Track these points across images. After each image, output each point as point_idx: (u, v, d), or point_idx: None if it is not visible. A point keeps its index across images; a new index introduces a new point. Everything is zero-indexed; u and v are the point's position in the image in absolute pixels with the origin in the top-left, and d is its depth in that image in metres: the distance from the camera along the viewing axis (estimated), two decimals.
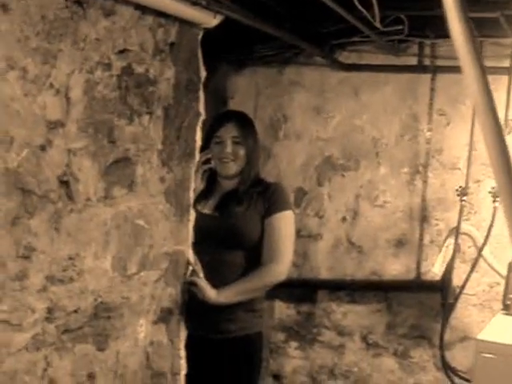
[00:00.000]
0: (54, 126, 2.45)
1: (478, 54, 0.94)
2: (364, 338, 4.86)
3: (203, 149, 3.55)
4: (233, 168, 3.76)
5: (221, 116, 3.98)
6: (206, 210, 3.78)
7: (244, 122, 3.85)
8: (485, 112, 0.95)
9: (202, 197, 3.75)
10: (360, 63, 4.66)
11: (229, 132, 3.75)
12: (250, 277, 3.65)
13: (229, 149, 3.73)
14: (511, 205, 0.95)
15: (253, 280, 3.66)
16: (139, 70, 2.89)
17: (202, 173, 3.69)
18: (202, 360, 3.66)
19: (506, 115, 4.21)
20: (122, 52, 2.77)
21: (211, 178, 3.83)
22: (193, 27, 3.26)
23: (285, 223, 3.73)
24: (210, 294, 3.51)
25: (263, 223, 3.69)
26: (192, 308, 3.48)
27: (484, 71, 0.94)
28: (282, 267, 3.68)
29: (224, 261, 3.70)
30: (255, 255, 3.69)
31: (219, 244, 3.68)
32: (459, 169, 4.44)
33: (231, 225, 3.70)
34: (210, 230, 3.67)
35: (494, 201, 4.24)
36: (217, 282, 3.57)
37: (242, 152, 3.74)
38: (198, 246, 3.48)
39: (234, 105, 4.89)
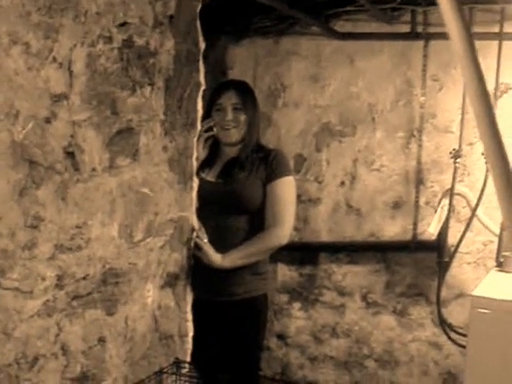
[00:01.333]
0: (58, 98, 2.44)
1: (464, 20, 0.91)
2: (364, 298, 4.86)
3: (205, 117, 3.54)
4: (234, 134, 3.73)
5: (221, 85, 3.94)
6: (210, 177, 3.75)
7: (244, 90, 3.82)
8: (471, 77, 0.92)
9: (205, 164, 3.74)
10: (354, 32, 4.62)
11: (229, 99, 3.72)
12: (254, 240, 3.64)
13: (230, 115, 3.70)
14: (498, 169, 0.93)
15: (256, 244, 3.65)
16: (140, 42, 2.86)
17: (205, 140, 3.69)
18: (208, 322, 3.69)
19: (497, 79, 4.19)
20: (122, 25, 2.75)
21: (214, 146, 3.81)
22: (191, 0, 3.23)
23: (286, 188, 3.72)
24: (215, 258, 3.53)
25: (265, 188, 3.68)
26: (198, 272, 3.50)
27: (471, 37, 0.92)
28: (284, 231, 3.67)
29: (228, 226, 3.68)
30: (258, 220, 3.68)
31: (223, 209, 3.67)
32: (452, 132, 4.41)
33: (234, 191, 3.68)
34: (214, 196, 3.66)
35: (486, 162, 4.21)
36: (221, 246, 3.58)
37: (242, 118, 3.72)
38: (202, 212, 3.50)
39: (233, 75, 4.86)
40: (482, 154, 4.22)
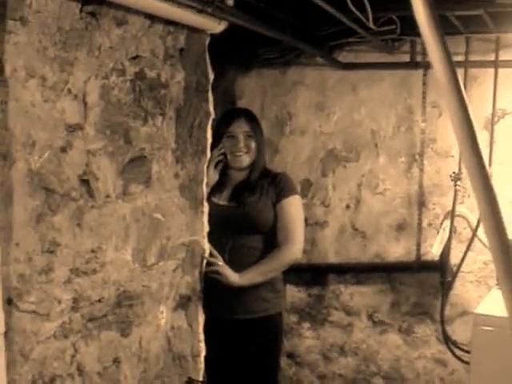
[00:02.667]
0: (74, 129, 2.44)
1: (446, 51, 0.90)
2: (370, 317, 4.84)
3: (213, 144, 3.55)
4: (246, 160, 3.81)
5: (230, 113, 4.02)
6: (222, 200, 3.82)
7: (252, 118, 3.90)
8: (455, 107, 0.91)
9: (215, 189, 3.80)
10: (357, 62, 4.64)
11: (240, 127, 3.80)
12: (269, 258, 3.69)
13: (242, 143, 3.78)
14: (484, 201, 0.91)
15: (271, 261, 3.70)
16: (151, 74, 2.87)
17: (215, 166, 3.74)
18: (225, 341, 3.74)
19: (494, 106, 4.19)
20: (134, 58, 2.76)
21: (223, 171, 3.87)
22: (200, 33, 3.25)
23: (294, 206, 3.80)
24: (234, 278, 3.58)
25: (275, 209, 3.75)
26: (214, 292, 3.50)
27: (453, 67, 0.90)
28: (296, 246, 3.73)
29: (243, 246, 3.74)
30: (271, 239, 3.74)
31: (238, 231, 3.74)
32: (452, 156, 4.41)
33: (247, 212, 3.74)
34: (228, 218, 3.74)
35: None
36: (238, 265, 3.64)
37: (253, 145, 3.81)
38: (216, 235, 3.52)
39: (242, 104, 4.88)
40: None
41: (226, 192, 3.86)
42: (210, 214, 3.44)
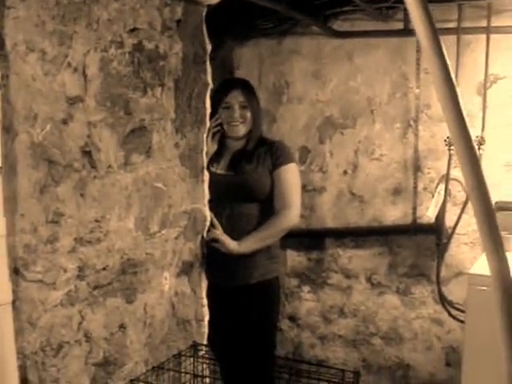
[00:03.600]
0: (74, 101, 2.44)
1: (429, 16, 0.88)
2: (369, 279, 4.85)
3: (211, 114, 3.53)
4: (241, 130, 3.78)
5: (226, 83, 3.99)
6: (220, 169, 3.77)
7: (248, 88, 3.86)
8: (437, 73, 0.89)
9: (213, 159, 3.75)
10: (352, 30, 4.60)
11: (236, 98, 3.75)
12: (266, 225, 3.67)
13: (237, 113, 3.74)
14: (464, 157, 0.90)
15: (269, 227, 3.67)
16: (149, 46, 2.86)
17: (212, 136, 3.71)
18: (225, 306, 3.73)
19: (486, 71, 4.17)
20: (132, 31, 2.74)
21: (221, 141, 3.85)
22: (197, 5, 3.23)
23: (291, 174, 3.77)
24: (232, 245, 3.57)
25: (272, 176, 3.73)
26: (214, 259, 3.51)
27: (436, 33, 0.88)
28: (293, 212, 3.71)
29: (241, 213, 3.71)
30: (268, 206, 3.71)
31: (235, 199, 3.71)
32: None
33: (244, 181, 3.72)
34: (226, 187, 3.70)
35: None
36: (236, 233, 3.62)
37: (248, 115, 3.77)
38: (215, 203, 3.53)
39: (239, 74, 4.85)
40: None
41: (224, 161, 3.83)
42: (209, 183, 3.46)
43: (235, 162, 3.80)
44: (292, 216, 3.71)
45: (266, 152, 3.79)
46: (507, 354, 0.85)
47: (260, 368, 3.60)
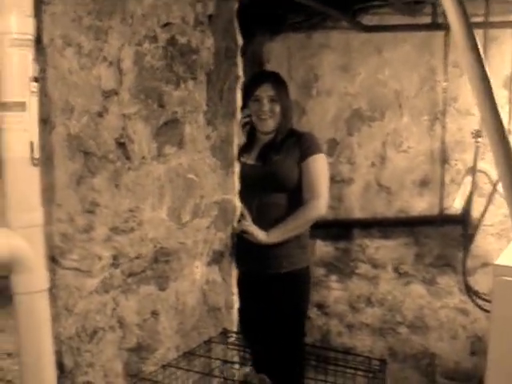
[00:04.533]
0: (109, 94, 2.45)
1: (464, 12, 0.87)
2: (395, 269, 4.85)
3: (242, 106, 3.50)
4: (270, 124, 3.76)
5: (257, 76, 3.97)
6: (250, 160, 3.79)
7: (278, 82, 3.82)
8: (471, 65, 0.88)
9: (244, 150, 3.75)
10: (380, 24, 4.59)
11: (265, 91, 3.73)
12: (294, 215, 3.66)
13: (266, 107, 3.73)
14: (498, 150, 0.89)
15: (297, 217, 3.66)
16: (182, 40, 2.86)
17: (242, 127, 3.70)
18: (257, 295, 3.76)
19: None
20: (165, 25, 2.75)
21: (251, 133, 3.88)
22: (229, 0, 3.22)
23: (319, 164, 3.74)
24: (262, 236, 3.60)
25: (300, 167, 3.71)
26: (246, 249, 3.51)
27: (470, 27, 0.88)
28: (321, 202, 3.69)
29: (270, 203, 3.72)
30: (296, 196, 3.70)
31: (264, 189, 3.71)
32: (473, 114, 4.36)
33: (273, 171, 3.71)
34: (255, 177, 3.69)
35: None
36: (265, 222, 3.65)
37: (277, 109, 3.74)
38: (245, 193, 3.50)
39: (269, 68, 4.85)
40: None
41: (254, 152, 3.83)
42: (239, 174, 3.45)
43: (264, 153, 3.79)
44: (320, 206, 3.68)
45: (294, 143, 3.75)
46: None
47: (290, 355, 3.60)
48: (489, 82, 0.85)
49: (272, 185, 3.71)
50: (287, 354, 3.60)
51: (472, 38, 0.84)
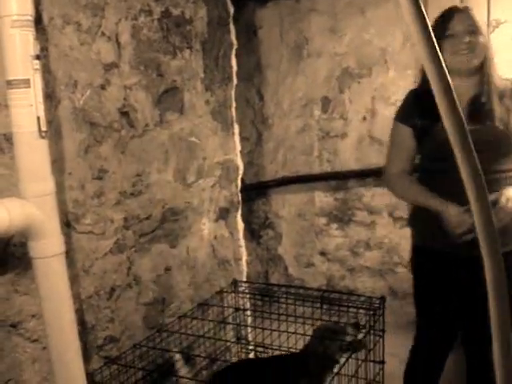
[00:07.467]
0: (110, 67, 2.43)
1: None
2: (391, 214, 4.83)
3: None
4: (472, 60, 2.57)
5: (448, 11, 2.71)
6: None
7: (472, 13, 2.64)
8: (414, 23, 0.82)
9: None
10: None
11: (463, 21, 2.59)
12: None
13: (466, 38, 2.55)
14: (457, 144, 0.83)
15: None
16: (176, 12, 2.82)
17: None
18: (451, 279, 2.76)
19: (488, 16, 4.07)
20: None
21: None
22: None
23: None
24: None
25: None
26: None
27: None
28: None
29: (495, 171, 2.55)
30: None
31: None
32: None
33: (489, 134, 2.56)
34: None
35: None
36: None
37: (480, 40, 2.56)
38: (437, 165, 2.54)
39: (262, 33, 4.79)
40: None
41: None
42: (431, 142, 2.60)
43: (474, 113, 2.57)
44: None
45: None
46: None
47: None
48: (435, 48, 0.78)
49: (492, 151, 2.54)
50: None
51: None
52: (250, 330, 3.21)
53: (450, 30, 2.60)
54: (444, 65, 0.80)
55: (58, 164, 2.15)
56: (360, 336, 2.64)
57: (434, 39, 0.80)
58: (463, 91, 2.59)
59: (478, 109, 2.57)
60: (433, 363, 2.93)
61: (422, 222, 2.88)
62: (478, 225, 0.80)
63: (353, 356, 2.55)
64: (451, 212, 2.48)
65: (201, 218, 3.05)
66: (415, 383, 2.97)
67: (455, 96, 0.79)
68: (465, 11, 2.65)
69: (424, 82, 2.69)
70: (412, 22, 0.78)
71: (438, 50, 0.80)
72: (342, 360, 2.53)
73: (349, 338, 2.63)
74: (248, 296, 3.24)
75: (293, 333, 2.74)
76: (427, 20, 0.80)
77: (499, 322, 0.81)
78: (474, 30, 2.56)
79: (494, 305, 0.81)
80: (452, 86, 0.80)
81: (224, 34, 3.23)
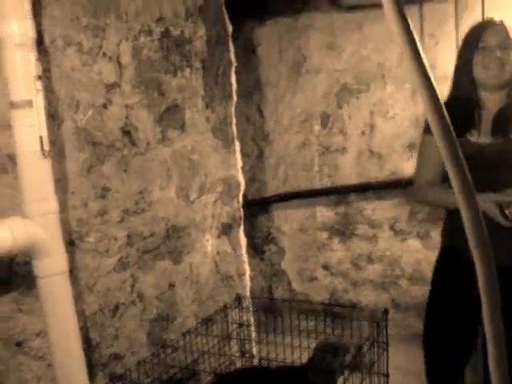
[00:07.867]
0: (111, 87, 2.43)
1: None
2: (392, 227, 4.82)
3: (466, 60, 2.63)
4: (501, 77, 2.54)
5: (484, 22, 2.70)
6: (482, 138, 2.58)
7: (507, 28, 2.59)
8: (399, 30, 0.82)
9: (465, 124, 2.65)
10: (360, 3, 4.54)
11: (495, 34, 2.56)
12: None
13: (497, 53, 2.51)
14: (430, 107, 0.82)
15: None
16: (176, 32, 2.83)
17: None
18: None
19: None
20: (159, 19, 2.72)
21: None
22: None
23: None
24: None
25: None
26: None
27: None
28: None
29: None
30: None
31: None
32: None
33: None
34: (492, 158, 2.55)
35: None
36: None
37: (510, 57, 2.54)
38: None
39: (261, 51, 4.81)
40: None
41: (484, 126, 2.60)
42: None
43: (500, 126, 2.57)
44: None
45: None
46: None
47: None
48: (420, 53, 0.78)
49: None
50: None
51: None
52: (254, 344, 3.20)
53: (483, 42, 2.55)
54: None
55: (61, 183, 2.16)
56: (362, 356, 2.62)
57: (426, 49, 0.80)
58: (490, 105, 2.60)
59: (504, 122, 2.56)
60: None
61: (453, 225, 2.85)
62: (468, 231, 0.81)
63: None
64: (491, 205, 2.39)
65: (204, 235, 3.05)
66: None
67: (443, 106, 0.79)
68: (500, 25, 2.60)
69: (452, 94, 2.76)
70: (397, 32, 0.78)
71: (425, 60, 0.79)
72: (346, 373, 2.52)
73: (350, 357, 2.62)
74: (252, 311, 3.24)
75: (297, 346, 2.73)
76: (413, 32, 0.80)
77: (492, 326, 0.81)
78: (506, 45, 2.54)
79: (486, 305, 0.81)
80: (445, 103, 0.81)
81: (223, 53, 3.24)
